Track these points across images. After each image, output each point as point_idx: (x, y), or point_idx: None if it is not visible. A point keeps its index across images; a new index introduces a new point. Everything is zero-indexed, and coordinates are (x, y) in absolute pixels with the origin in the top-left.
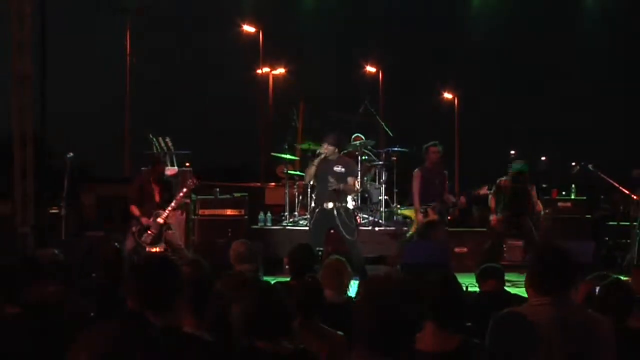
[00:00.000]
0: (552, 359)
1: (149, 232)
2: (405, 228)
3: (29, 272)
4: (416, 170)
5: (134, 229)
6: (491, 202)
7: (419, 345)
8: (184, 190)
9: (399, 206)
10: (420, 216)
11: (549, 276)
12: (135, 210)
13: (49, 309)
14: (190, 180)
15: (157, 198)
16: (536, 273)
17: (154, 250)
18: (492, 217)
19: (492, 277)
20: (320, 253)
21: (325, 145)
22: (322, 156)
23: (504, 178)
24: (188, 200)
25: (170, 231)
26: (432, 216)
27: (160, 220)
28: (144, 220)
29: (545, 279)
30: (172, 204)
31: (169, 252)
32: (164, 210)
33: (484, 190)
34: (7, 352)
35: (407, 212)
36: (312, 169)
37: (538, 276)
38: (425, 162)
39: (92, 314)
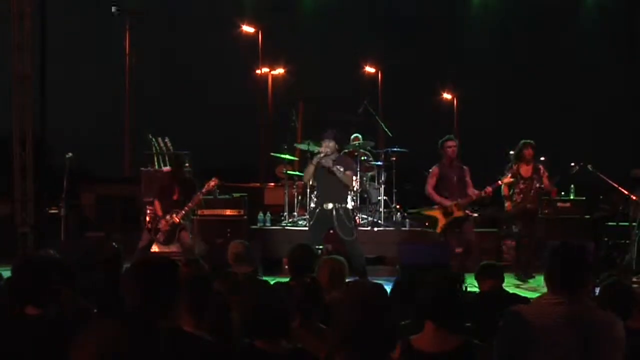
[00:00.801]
0: (564, 357)
1: (163, 231)
2: (404, 228)
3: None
4: (433, 167)
5: (149, 225)
6: (504, 189)
7: (419, 345)
8: (204, 190)
9: (396, 207)
10: (440, 213)
11: (564, 275)
12: (158, 207)
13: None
14: (212, 181)
15: (175, 196)
16: (553, 271)
17: (154, 249)
18: (507, 204)
19: (490, 277)
20: (319, 251)
21: (325, 143)
22: (322, 154)
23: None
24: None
25: (184, 231)
26: (457, 213)
27: (176, 219)
28: (162, 222)
29: (560, 277)
30: (190, 203)
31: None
32: (182, 209)
33: (507, 179)
34: (17, 353)
35: (430, 212)
36: (310, 168)
37: (554, 274)
38: (443, 158)
39: (92, 314)
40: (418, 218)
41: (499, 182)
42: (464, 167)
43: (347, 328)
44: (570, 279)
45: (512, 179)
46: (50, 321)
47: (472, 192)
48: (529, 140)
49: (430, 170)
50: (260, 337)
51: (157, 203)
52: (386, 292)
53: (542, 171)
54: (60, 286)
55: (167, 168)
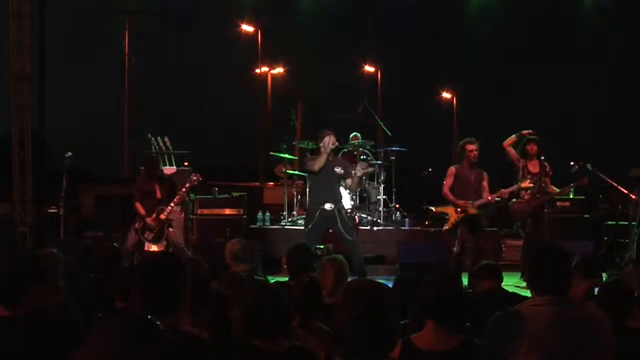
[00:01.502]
0: (552, 357)
1: (152, 230)
2: (403, 227)
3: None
4: (451, 167)
5: (137, 225)
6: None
7: (419, 344)
8: (187, 185)
9: (396, 206)
10: (453, 209)
11: (550, 276)
12: (140, 208)
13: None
14: (194, 176)
15: (158, 195)
16: (538, 273)
17: (152, 248)
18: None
19: (489, 277)
20: (319, 251)
21: (333, 138)
22: (334, 146)
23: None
24: (187, 198)
25: (171, 229)
26: (471, 210)
27: (162, 216)
28: (148, 220)
29: (546, 279)
30: (175, 200)
31: (170, 250)
32: (166, 206)
33: (525, 184)
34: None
35: (443, 208)
36: (323, 157)
37: (540, 276)
38: (463, 160)
39: (65, 313)
40: (429, 214)
41: (520, 185)
42: (483, 172)
43: (350, 327)
44: (555, 280)
45: (531, 184)
46: (18, 322)
47: (488, 195)
48: (532, 136)
49: (448, 169)
50: (260, 336)
51: (138, 205)
52: (390, 290)
53: (548, 169)
54: (28, 285)
55: (167, 168)
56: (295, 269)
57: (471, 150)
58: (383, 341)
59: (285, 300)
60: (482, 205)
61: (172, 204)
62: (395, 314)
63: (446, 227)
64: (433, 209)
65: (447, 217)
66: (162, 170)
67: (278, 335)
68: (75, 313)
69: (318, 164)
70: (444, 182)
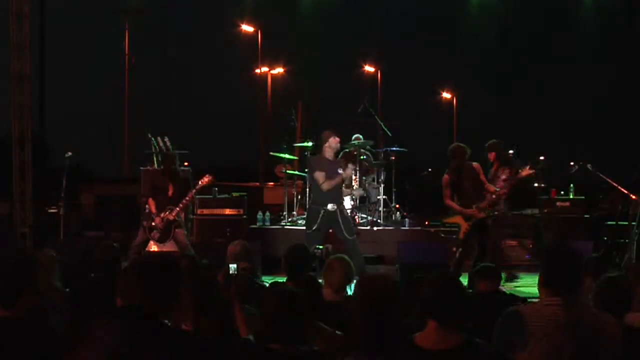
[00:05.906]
0: (560, 357)
1: (158, 229)
2: (403, 227)
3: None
4: (444, 175)
5: (145, 223)
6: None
7: (421, 343)
8: (198, 186)
9: (396, 206)
10: (462, 218)
11: (561, 277)
12: (152, 205)
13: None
14: (206, 177)
15: (170, 192)
16: (550, 274)
17: (153, 248)
18: None
19: (488, 278)
20: (319, 251)
21: (336, 138)
22: (337, 147)
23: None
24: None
25: (179, 229)
26: (479, 215)
27: (170, 217)
28: (157, 220)
29: (558, 280)
30: (185, 200)
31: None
32: (176, 206)
33: (526, 172)
34: None
35: (451, 219)
36: (338, 180)
37: (551, 277)
38: (451, 163)
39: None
40: (443, 229)
41: (519, 176)
42: (474, 164)
43: (364, 323)
44: (565, 280)
45: (530, 171)
46: (19, 322)
47: (489, 187)
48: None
49: (442, 179)
50: (279, 340)
51: (150, 201)
52: (399, 285)
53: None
54: (22, 285)
55: None
56: (292, 269)
57: (461, 155)
58: (397, 337)
59: (302, 304)
60: (488, 206)
61: (181, 205)
62: (405, 308)
63: (459, 237)
64: (444, 221)
65: (458, 228)
66: (177, 167)
67: (296, 339)
68: (54, 319)
69: (331, 185)
70: (444, 194)
